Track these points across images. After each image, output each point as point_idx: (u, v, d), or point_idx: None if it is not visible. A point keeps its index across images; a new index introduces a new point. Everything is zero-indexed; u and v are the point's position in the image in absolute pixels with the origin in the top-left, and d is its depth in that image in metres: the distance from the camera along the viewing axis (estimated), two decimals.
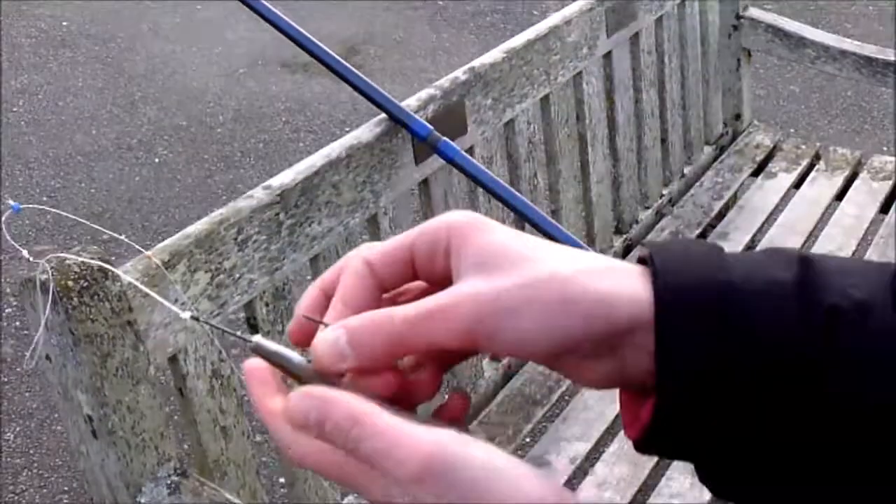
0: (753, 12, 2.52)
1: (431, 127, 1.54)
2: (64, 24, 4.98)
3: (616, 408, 1.88)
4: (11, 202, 0.93)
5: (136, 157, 3.83)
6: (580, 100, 2.00)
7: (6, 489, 2.41)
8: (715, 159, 2.51)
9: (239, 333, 0.49)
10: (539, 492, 0.38)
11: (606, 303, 0.41)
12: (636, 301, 0.41)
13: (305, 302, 0.47)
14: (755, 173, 2.47)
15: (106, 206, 3.51)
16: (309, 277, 1.69)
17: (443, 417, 0.45)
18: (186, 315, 0.50)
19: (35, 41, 4.81)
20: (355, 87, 1.54)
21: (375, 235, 1.56)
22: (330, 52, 1.53)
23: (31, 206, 3.26)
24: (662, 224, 2.29)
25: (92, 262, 1.09)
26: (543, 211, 1.62)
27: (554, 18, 1.93)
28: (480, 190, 1.66)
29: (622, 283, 0.41)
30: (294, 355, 0.45)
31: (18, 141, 3.95)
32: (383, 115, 1.55)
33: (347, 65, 1.54)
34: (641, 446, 0.43)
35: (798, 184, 2.41)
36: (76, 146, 3.90)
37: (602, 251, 2.07)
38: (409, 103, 1.59)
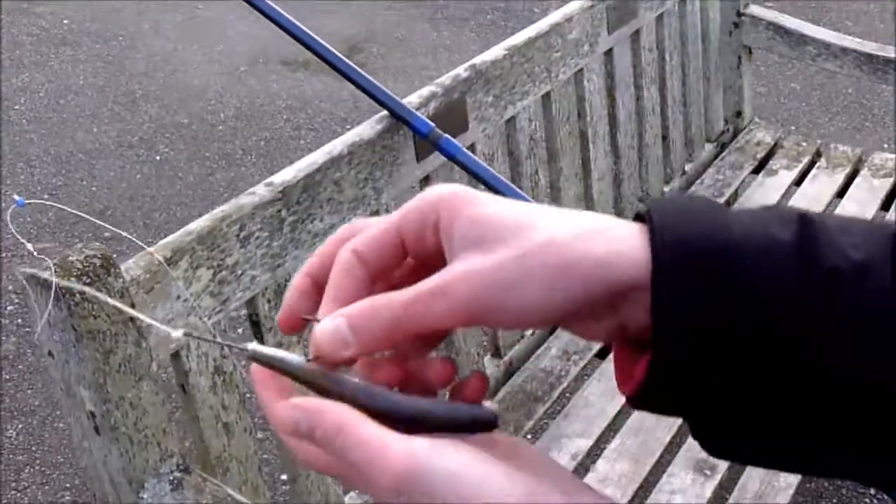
0: (754, 10, 2.52)
1: (433, 124, 1.54)
2: (65, 21, 4.98)
3: (617, 404, 1.89)
4: (16, 197, 0.94)
5: (137, 154, 3.83)
6: (581, 97, 2.00)
7: (8, 486, 2.42)
8: (716, 157, 2.52)
9: (233, 344, 0.49)
10: (500, 500, 0.39)
11: (605, 265, 0.40)
12: (635, 261, 0.40)
13: (294, 290, 0.47)
14: (756, 171, 2.47)
15: (107, 204, 3.51)
16: None
17: (460, 397, 0.45)
18: (178, 333, 0.49)
19: (36, 39, 4.81)
20: (357, 85, 1.54)
21: None
22: (332, 49, 1.54)
23: (35, 201, 3.27)
24: None
25: (95, 258, 1.09)
26: None
27: (555, 16, 1.93)
28: (482, 187, 1.66)
29: (620, 243, 0.41)
30: (291, 356, 0.45)
31: (20, 139, 3.95)
32: (385, 112, 1.55)
33: (349, 62, 1.55)
34: (635, 402, 0.43)
35: (799, 181, 2.42)
36: (77, 144, 3.91)
37: None
38: (411, 100, 1.59)
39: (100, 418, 1.13)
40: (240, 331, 2.57)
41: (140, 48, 4.69)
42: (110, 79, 4.42)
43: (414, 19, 4.89)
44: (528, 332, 1.92)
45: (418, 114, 1.54)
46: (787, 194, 2.38)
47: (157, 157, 3.81)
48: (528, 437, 1.78)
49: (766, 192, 2.37)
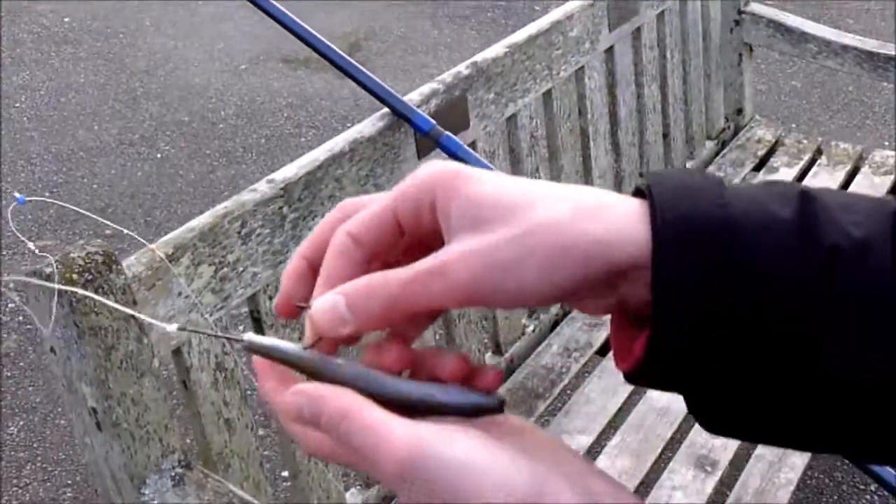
0: (755, 7, 2.52)
1: (434, 121, 1.54)
2: (66, 19, 4.98)
3: (618, 401, 1.88)
4: (17, 194, 0.94)
5: (138, 152, 3.83)
6: (582, 94, 2.01)
7: (10, 483, 2.42)
8: (717, 154, 2.52)
9: (228, 335, 0.49)
10: (507, 487, 0.38)
11: (605, 244, 0.40)
12: (635, 240, 0.40)
13: (290, 274, 0.47)
14: (757, 168, 2.47)
15: (108, 202, 3.51)
16: None
17: (476, 387, 0.44)
18: (173, 327, 0.49)
19: (37, 37, 4.81)
20: (358, 82, 1.55)
21: None
22: (334, 47, 1.54)
23: (35, 198, 3.27)
24: None
25: (97, 254, 1.09)
26: None
27: (556, 13, 1.93)
28: None
29: (620, 221, 0.40)
30: (288, 344, 0.44)
31: (21, 137, 3.95)
32: (386, 109, 1.55)
33: (350, 60, 1.55)
34: (633, 378, 0.43)
35: (800, 178, 2.42)
36: (78, 142, 3.91)
37: None
38: (412, 98, 1.59)
39: (101, 414, 1.13)
40: (241, 327, 2.57)
41: (141, 46, 4.69)
42: (111, 76, 4.42)
43: (414, 17, 4.89)
44: (530, 329, 1.93)
45: (419, 111, 1.54)
46: None
47: (158, 155, 3.81)
48: None
49: None
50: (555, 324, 1.98)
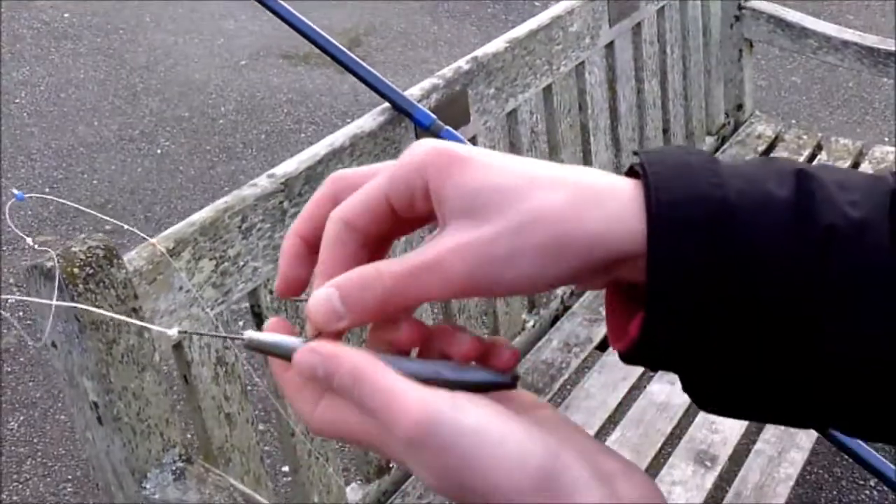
0: (755, 3, 2.52)
1: (434, 116, 1.54)
2: (66, 15, 4.98)
3: (618, 396, 1.88)
4: (15, 191, 0.94)
5: (138, 148, 3.83)
6: (582, 90, 2.01)
7: (10, 478, 2.42)
8: (717, 150, 2.52)
9: (228, 335, 0.49)
10: (520, 458, 0.38)
11: (601, 234, 0.40)
12: (631, 229, 0.40)
13: (287, 255, 0.46)
14: None
15: (108, 197, 3.51)
16: None
17: (492, 366, 0.44)
18: (173, 332, 0.49)
19: (37, 33, 4.81)
20: (359, 77, 1.55)
21: None
22: (334, 42, 1.54)
23: (35, 195, 3.26)
24: None
25: (97, 249, 1.09)
26: None
27: (556, 8, 1.93)
28: None
29: (617, 208, 0.40)
30: (289, 339, 0.44)
31: (21, 132, 3.95)
32: (387, 104, 1.55)
33: (351, 55, 1.55)
34: (628, 357, 0.43)
35: None
36: (78, 137, 3.91)
37: None
38: (413, 93, 1.59)
39: (103, 409, 1.14)
40: (241, 323, 2.57)
41: (141, 42, 4.69)
42: (111, 72, 4.42)
43: (415, 12, 4.89)
44: (530, 324, 1.93)
45: (420, 106, 1.55)
46: None
47: (158, 151, 3.81)
48: None
49: None
50: (555, 319, 1.98)
